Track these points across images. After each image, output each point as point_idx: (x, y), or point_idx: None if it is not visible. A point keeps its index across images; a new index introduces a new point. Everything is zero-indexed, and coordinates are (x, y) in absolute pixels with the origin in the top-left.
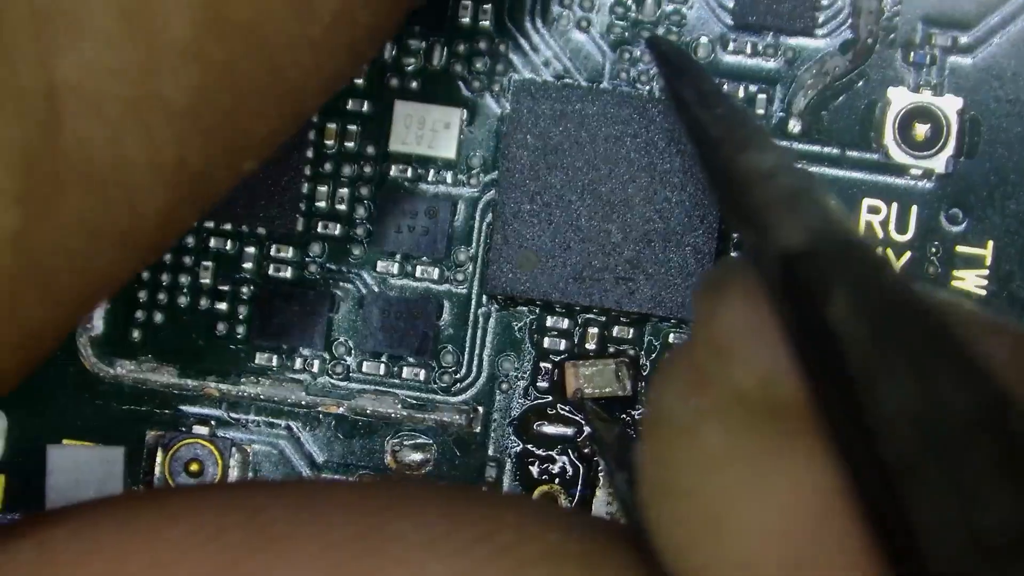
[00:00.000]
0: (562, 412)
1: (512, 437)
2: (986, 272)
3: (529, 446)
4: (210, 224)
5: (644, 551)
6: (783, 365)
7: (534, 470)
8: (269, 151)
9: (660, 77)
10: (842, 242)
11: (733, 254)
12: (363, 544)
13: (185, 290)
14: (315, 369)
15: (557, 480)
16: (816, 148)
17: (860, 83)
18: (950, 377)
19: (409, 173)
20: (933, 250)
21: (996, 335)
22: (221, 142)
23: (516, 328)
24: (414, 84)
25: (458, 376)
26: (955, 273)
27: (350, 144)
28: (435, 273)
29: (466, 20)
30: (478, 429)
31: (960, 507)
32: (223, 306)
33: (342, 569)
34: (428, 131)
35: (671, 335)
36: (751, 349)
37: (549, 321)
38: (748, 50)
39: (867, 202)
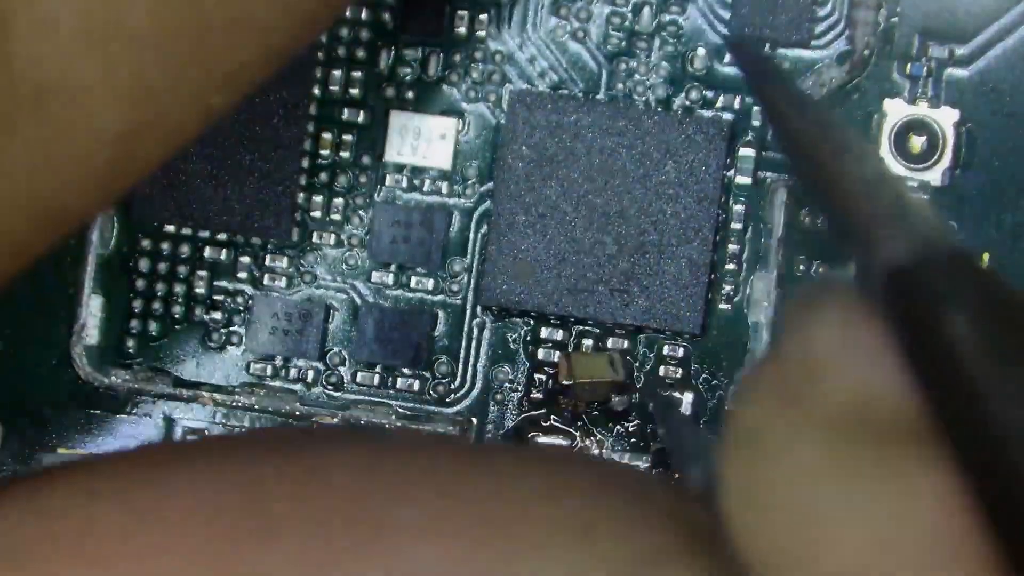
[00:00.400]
0: (556, 424)
1: None
2: None
3: None
4: (205, 234)
5: (670, 513)
6: (880, 383)
7: None
8: (239, 90)
9: (746, 82)
10: (950, 255)
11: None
12: (357, 531)
13: (180, 300)
14: (309, 379)
15: None
16: None
17: (856, 95)
18: None
19: (404, 183)
20: None
21: None
22: (184, 70)
23: (511, 339)
24: (410, 94)
25: (452, 387)
26: None
27: (345, 154)
28: (430, 284)
29: (462, 30)
30: (472, 440)
31: None
32: (218, 316)
33: (333, 557)
34: (423, 141)
35: (665, 347)
36: (847, 367)
37: (544, 332)
38: None
39: None
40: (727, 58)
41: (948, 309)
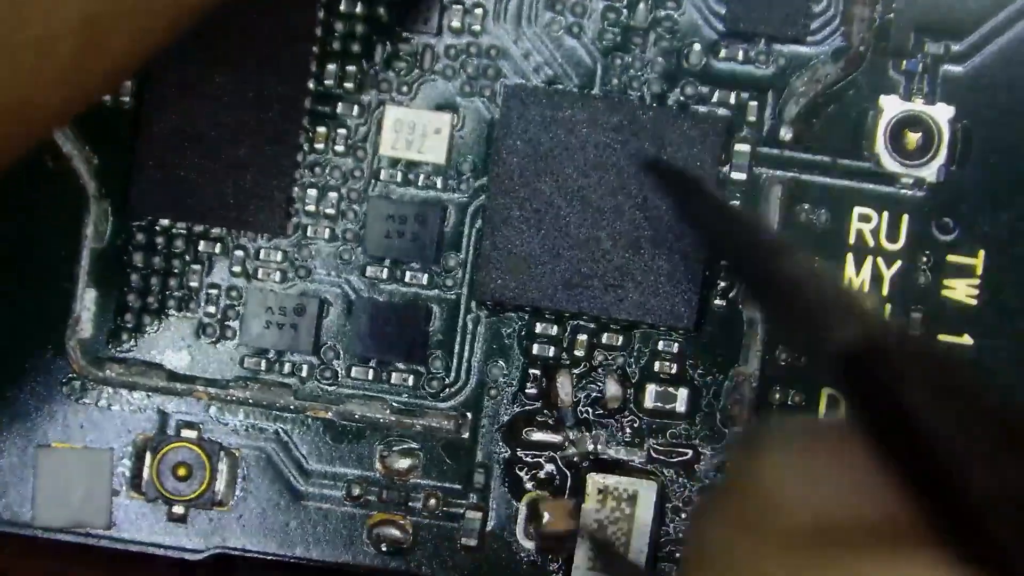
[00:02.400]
0: (550, 420)
1: (500, 443)
2: (977, 282)
3: (517, 452)
4: (199, 228)
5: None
6: (833, 503)
7: (522, 476)
8: None
9: (668, 199)
10: (901, 335)
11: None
12: None
13: (174, 294)
14: (304, 373)
15: (545, 487)
16: (807, 156)
17: (852, 91)
18: None
19: (399, 178)
20: (924, 259)
21: None
22: None
23: (505, 334)
24: (405, 88)
25: (447, 382)
26: (945, 282)
27: (340, 148)
28: (424, 279)
29: (457, 24)
30: (466, 435)
31: None
32: (212, 310)
33: None
34: (418, 136)
35: (660, 342)
36: (798, 498)
37: (538, 328)
38: (740, 57)
39: (858, 210)
40: (723, 53)
41: (905, 383)
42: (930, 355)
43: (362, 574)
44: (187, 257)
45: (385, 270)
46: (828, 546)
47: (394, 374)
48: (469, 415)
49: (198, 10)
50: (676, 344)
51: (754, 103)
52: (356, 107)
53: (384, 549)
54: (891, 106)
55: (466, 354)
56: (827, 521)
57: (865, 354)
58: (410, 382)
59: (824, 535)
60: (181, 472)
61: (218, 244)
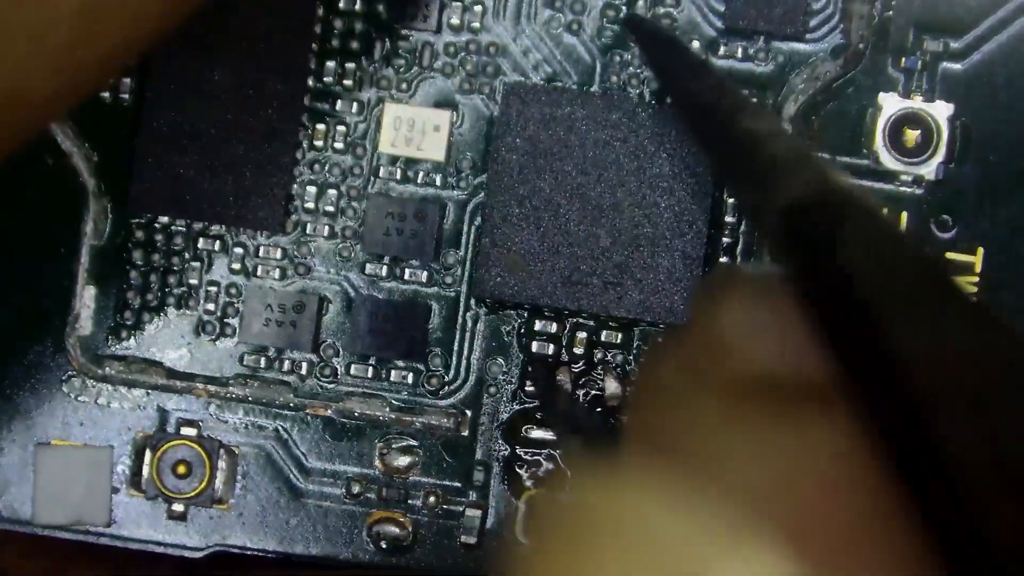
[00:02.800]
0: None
1: (500, 441)
2: (976, 280)
3: (517, 450)
4: (199, 225)
5: None
6: (782, 359)
7: (522, 474)
8: None
9: (643, 54)
10: (844, 193)
11: (723, 259)
12: None
13: (174, 291)
14: (303, 371)
15: (544, 485)
16: None
17: (851, 88)
18: (961, 324)
19: (398, 175)
20: None
21: None
22: None
23: (504, 332)
24: (404, 86)
25: (446, 379)
26: None
27: (339, 145)
28: (424, 276)
29: (456, 21)
30: (466, 433)
31: (989, 437)
32: (211, 307)
33: None
34: (417, 133)
35: (660, 340)
36: (749, 346)
37: (538, 325)
38: (739, 54)
39: None
40: (722, 51)
41: (838, 237)
42: (872, 217)
43: (362, 571)
44: (186, 254)
45: (384, 267)
46: (766, 400)
47: (393, 372)
48: (468, 412)
49: (193, 2)
50: (676, 335)
51: (753, 100)
52: (355, 104)
53: (384, 546)
54: (890, 103)
55: (465, 352)
56: (770, 374)
57: (807, 208)
58: (409, 380)
59: (765, 388)
60: (181, 470)
61: (217, 241)
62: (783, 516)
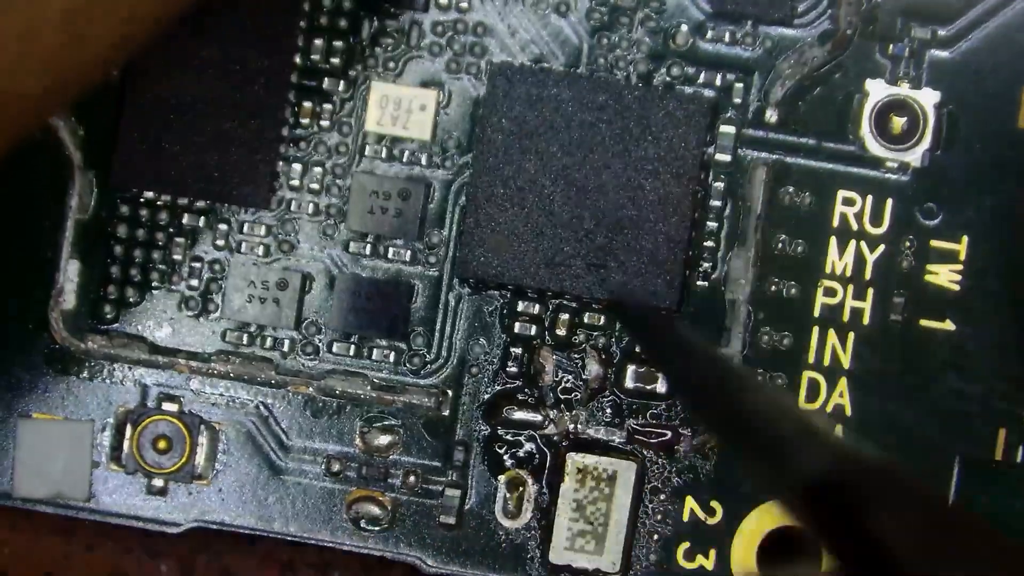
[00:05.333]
0: (531, 399)
1: (481, 421)
2: (960, 267)
3: (498, 431)
4: (183, 201)
5: None
6: None
7: (502, 455)
8: None
9: (634, 339)
10: (864, 464)
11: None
12: None
13: (157, 266)
14: (285, 348)
15: (524, 465)
16: (792, 138)
17: (838, 74)
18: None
19: (384, 154)
20: (907, 244)
21: None
22: None
23: (487, 312)
24: (391, 65)
25: (428, 359)
26: (929, 267)
27: (325, 123)
28: (407, 255)
29: (443, 1)
30: (447, 412)
31: None
32: (195, 283)
33: None
34: (404, 112)
35: None
36: None
37: (520, 306)
38: (726, 38)
39: (842, 194)
40: (709, 34)
41: (870, 510)
42: (893, 481)
43: (341, 550)
44: (171, 230)
45: (368, 246)
46: None
47: (375, 350)
48: (450, 392)
49: (180, 3)
50: None
51: (740, 85)
52: (342, 82)
53: (363, 525)
54: (877, 90)
55: (448, 331)
56: None
57: (829, 485)
58: (391, 358)
59: None
60: (161, 445)
61: (202, 217)
62: None
